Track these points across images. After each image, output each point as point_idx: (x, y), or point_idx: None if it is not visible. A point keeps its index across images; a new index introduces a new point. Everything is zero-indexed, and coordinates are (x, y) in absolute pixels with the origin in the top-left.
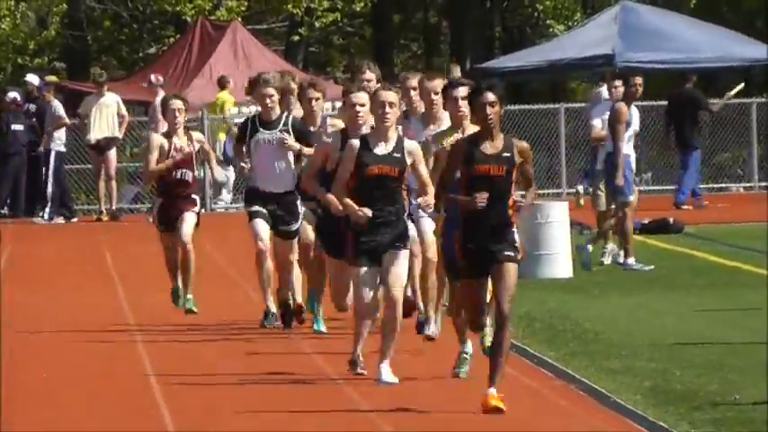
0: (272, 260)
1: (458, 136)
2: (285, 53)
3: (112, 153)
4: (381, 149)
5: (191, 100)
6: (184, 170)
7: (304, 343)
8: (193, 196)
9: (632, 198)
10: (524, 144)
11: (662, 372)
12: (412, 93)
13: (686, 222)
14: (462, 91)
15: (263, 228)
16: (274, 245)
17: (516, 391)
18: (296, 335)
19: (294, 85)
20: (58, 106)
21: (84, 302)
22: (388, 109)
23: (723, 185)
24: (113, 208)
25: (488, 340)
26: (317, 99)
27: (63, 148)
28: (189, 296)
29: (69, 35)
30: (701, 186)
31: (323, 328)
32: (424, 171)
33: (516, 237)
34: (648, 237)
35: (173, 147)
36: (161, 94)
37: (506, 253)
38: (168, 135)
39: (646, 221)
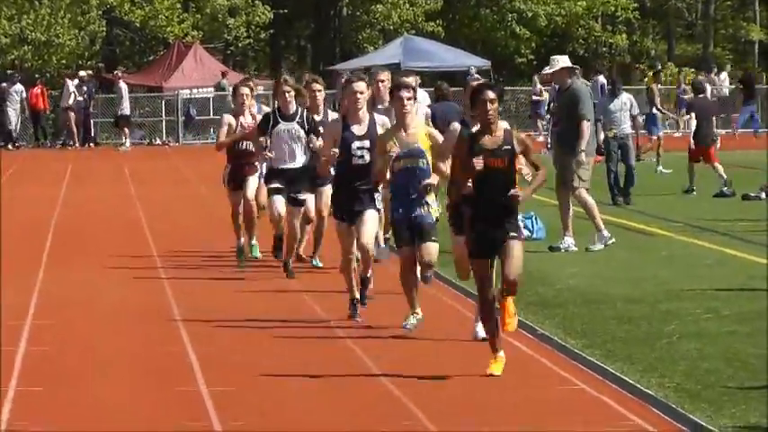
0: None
1: (401, 133)
2: (223, 60)
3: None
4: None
5: (171, 84)
6: (248, 143)
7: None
8: (255, 163)
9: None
10: (522, 135)
11: None
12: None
13: None
14: (407, 92)
15: (280, 202)
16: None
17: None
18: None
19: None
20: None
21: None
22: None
23: None
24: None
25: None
26: (319, 91)
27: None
28: (254, 243)
29: (107, 48)
30: None
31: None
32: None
33: (520, 223)
34: None
35: (239, 124)
36: (122, 83)
37: (511, 233)
38: (236, 114)
39: None
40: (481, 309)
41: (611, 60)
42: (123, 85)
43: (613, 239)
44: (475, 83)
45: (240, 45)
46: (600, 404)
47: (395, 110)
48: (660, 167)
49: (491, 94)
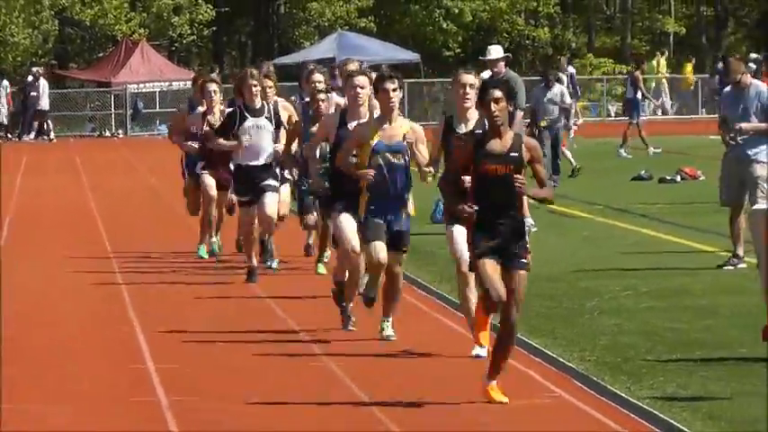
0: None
1: (386, 125)
2: (168, 56)
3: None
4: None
5: (120, 80)
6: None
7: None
8: (231, 165)
9: None
10: (533, 142)
11: None
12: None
13: None
14: (392, 83)
15: (253, 214)
16: (259, 205)
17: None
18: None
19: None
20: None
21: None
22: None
23: None
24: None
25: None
26: (270, 87)
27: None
28: (215, 238)
29: (59, 46)
30: None
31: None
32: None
33: (527, 239)
34: None
35: (206, 122)
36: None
37: (521, 261)
38: (205, 113)
39: None
40: (486, 312)
41: (533, 53)
42: (43, 82)
43: (536, 227)
44: (464, 75)
45: (184, 42)
46: (525, 377)
47: (380, 102)
48: (623, 150)
49: (497, 93)
